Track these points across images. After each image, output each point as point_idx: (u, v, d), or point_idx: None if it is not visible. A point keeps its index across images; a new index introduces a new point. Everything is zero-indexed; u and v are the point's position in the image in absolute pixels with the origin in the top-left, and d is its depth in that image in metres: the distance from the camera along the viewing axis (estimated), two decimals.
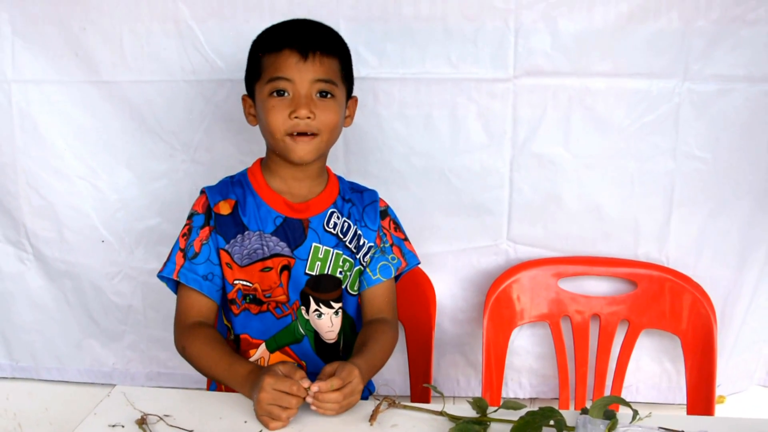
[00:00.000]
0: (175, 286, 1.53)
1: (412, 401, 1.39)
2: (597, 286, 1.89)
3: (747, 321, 1.90)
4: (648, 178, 1.82)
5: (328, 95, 1.47)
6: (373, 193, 1.63)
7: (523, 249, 1.89)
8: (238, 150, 1.87)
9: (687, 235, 1.85)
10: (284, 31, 1.49)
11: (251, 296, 1.53)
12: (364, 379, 1.37)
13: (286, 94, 1.45)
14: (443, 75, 1.79)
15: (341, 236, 1.54)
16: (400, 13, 1.77)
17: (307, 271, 1.52)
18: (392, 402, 1.35)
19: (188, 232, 1.52)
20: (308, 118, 1.43)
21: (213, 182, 1.62)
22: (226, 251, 1.51)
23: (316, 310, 1.55)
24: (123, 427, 1.29)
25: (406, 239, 1.65)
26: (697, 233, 1.85)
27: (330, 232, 1.53)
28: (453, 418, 1.31)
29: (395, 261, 1.61)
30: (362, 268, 1.58)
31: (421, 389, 1.82)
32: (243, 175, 1.57)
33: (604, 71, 1.76)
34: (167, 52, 1.84)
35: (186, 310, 1.52)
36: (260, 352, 1.56)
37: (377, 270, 1.60)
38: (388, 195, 1.81)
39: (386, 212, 1.64)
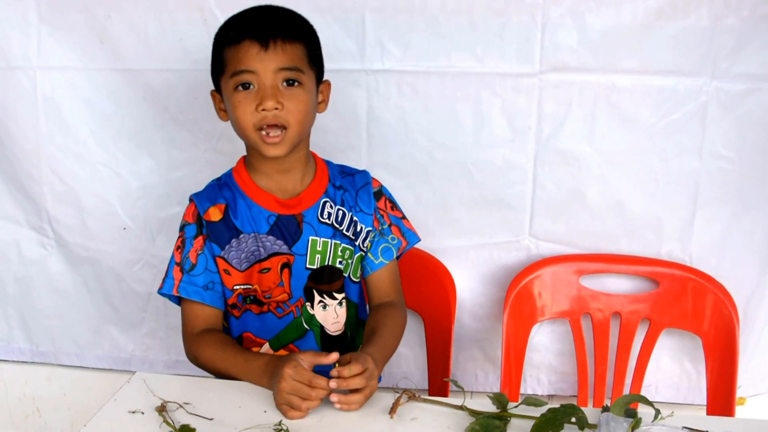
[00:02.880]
0: (178, 299, 1.53)
1: (430, 395, 1.38)
2: (618, 284, 1.87)
3: None
4: (672, 176, 1.80)
5: (295, 83, 1.42)
6: (365, 174, 1.60)
7: (545, 245, 1.88)
8: None
9: (710, 235, 1.83)
10: (243, 21, 1.44)
11: (252, 297, 1.52)
12: (379, 366, 1.38)
13: (251, 86, 1.40)
14: (468, 69, 1.78)
15: (337, 225, 1.52)
16: (425, 5, 1.76)
17: (307, 266, 1.51)
18: (412, 395, 1.35)
19: (182, 245, 1.50)
20: (276, 109, 1.39)
21: None
22: (223, 258, 1.49)
23: (321, 301, 1.54)
24: (143, 414, 1.30)
25: (404, 217, 1.63)
26: (721, 233, 1.83)
27: (325, 223, 1.51)
28: (473, 412, 1.31)
29: (395, 241, 1.59)
30: (363, 254, 1.57)
31: (439, 383, 1.82)
32: (229, 176, 1.55)
33: (631, 68, 1.75)
34: (192, 41, 1.84)
35: (191, 321, 1.52)
36: (264, 351, 1.55)
37: (379, 253, 1.58)
38: (410, 188, 1.82)
39: (381, 192, 1.61)
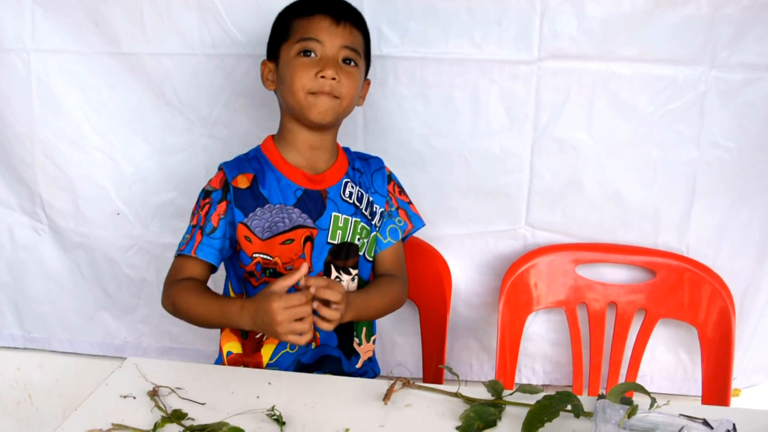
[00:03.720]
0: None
1: (425, 383, 1.37)
2: (615, 274, 1.86)
3: (765, 314, 1.87)
4: (670, 166, 1.79)
5: (352, 63, 1.53)
6: (379, 159, 1.68)
7: (542, 234, 1.87)
8: (257, 126, 1.85)
9: (708, 226, 1.82)
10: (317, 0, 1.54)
11: (271, 270, 1.55)
12: (352, 308, 1.45)
13: (313, 54, 1.50)
14: (466, 56, 1.76)
15: (358, 204, 1.58)
16: None
17: (329, 240, 1.56)
18: (407, 382, 1.34)
19: (205, 208, 1.53)
20: (333, 79, 1.48)
21: (230, 158, 1.63)
22: (245, 225, 1.52)
23: (337, 277, 1.57)
24: (134, 398, 1.29)
25: (410, 202, 1.70)
26: (718, 224, 1.82)
27: (347, 201, 1.58)
28: (468, 400, 1.30)
29: (402, 224, 1.67)
30: (376, 234, 1.62)
31: (433, 371, 1.81)
32: (257, 150, 1.60)
33: (630, 56, 1.73)
34: (187, 25, 1.82)
35: (179, 272, 1.55)
36: None
37: (387, 233, 1.65)
38: (407, 176, 1.81)
39: (391, 177, 1.69)
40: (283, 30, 1.55)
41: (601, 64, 1.74)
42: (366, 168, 1.64)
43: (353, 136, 1.84)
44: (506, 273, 1.81)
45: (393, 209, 1.66)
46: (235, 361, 1.59)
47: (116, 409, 1.26)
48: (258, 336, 1.57)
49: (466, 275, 1.92)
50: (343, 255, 1.57)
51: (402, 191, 1.69)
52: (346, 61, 1.52)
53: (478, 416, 1.24)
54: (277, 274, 1.54)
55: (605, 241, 1.85)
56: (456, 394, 1.32)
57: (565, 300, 1.84)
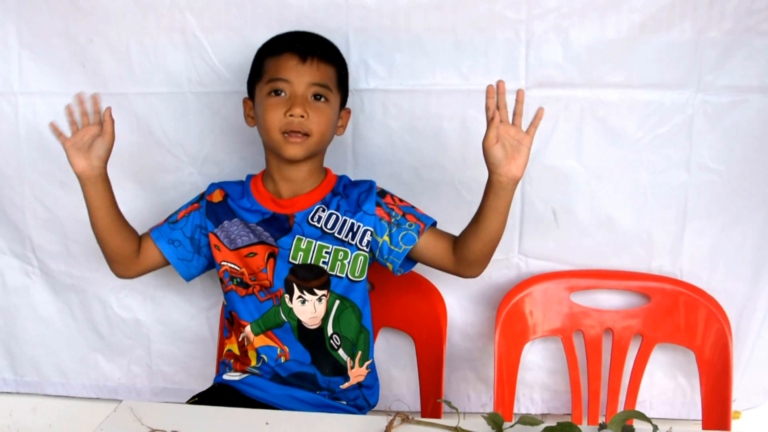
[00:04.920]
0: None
1: (423, 417, 1.36)
2: (610, 300, 1.86)
3: (762, 335, 1.87)
4: (661, 190, 1.79)
5: (322, 99, 1.59)
6: (369, 182, 1.69)
7: (535, 262, 1.87)
8: (246, 163, 1.85)
9: (701, 248, 1.82)
10: (287, 37, 1.63)
11: (238, 279, 1.66)
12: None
13: (283, 94, 1.57)
14: (454, 86, 1.77)
15: (325, 229, 1.62)
16: (409, 24, 1.75)
17: (290, 260, 1.62)
18: (405, 417, 1.33)
19: (183, 206, 1.71)
20: (302, 117, 1.55)
21: None
22: (215, 234, 1.66)
23: (300, 296, 1.62)
24: None
25: (414, 206, 1.68)
26: (711, 246, 1.82)
27: (314, 226, 1.62)
28: None
29: (413, 227, 1.64)
30: (365, 253, 1.63)
31: (431, 405, 1.79)
32: (248, 178, 1.71)
33: (617, 82, 1.74)
34: (175, 64, 1.83)
35: (141, 249, 1.70)
36: (246, 333, 1.67)
37: (400, 242, 1.63)
38: None
39: (384, 192, 1.68)
40: (256, 69, 1.63)
41: (588, 90, 1.75)
42: (352, 191, 1.66)
43: (343, 169, 1.83)
44: (501, 302, 1.81)
45: (399, 217, 1.64)
46: (230, 356, 1.70)
47: None
48: (240, 339, 1.68)
49: (461, 306, 1.91)
50: (304, 275, 1.62)
51: (402, 199, 1.68)
52: (317, 96, 1.58)
53: None
54: (243, 284, 1.65)
55: (599, 267, 1.85)
56: (456, 429, 1.30)
57: (560, 328, 1.84)
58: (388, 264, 1.65)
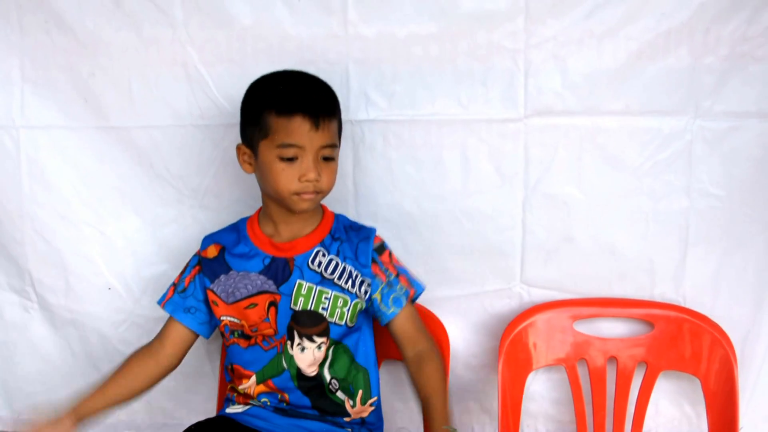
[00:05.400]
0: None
1: None
2: (613, 328, 1.84)
3: (767, 360, 1.85)
4: (662, 216, 1.79)
5: (330, 158, 1.58)
6: (369, 230, 1.68)
7: (537, 292, 1.86)
8: (247, 195, 1.85)
9: (703, 274, 1.81)
10: (294, 94, 1.55)
11: (239, 332, 1.64)
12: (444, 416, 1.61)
13: (294, 158, 1.53)
14: (453, 116, 1.78)
15: (325, 274, 1.61)
16: (409, 54, 1.76)
17: (291, 306, 1.61)
18: None
19: (184, 271, 1.70)
20: (316, 180, 1.54)
21: (221, 226, 1.72)
22: (212, 290, 1.64)
23: (299, 344, 1.61)
24: None
25: (407, 268, 1.70)
26: (714, 272, 1.81)
27: (314, 270, 1.61)
28: None
29: (403, 291, 1.66)
30: (360, 300, 1.62)
31: None
32: (243, 221, 1.70)
33: (615, 110, 1.75)
34: (176, 97, 1.84)
35: (161, 332, 1.70)
36: (251, 383, 1.65)
37: (390, 303, 1.65)
38: (398, 238, 1.81)
39: (383, 247, 1.68)
40: (260, 124, 1.55)
41: (587, 118, 1.76)
42: (352, 237, 1.66)
43: (344, 201, 1.84)
44: (504, 332, 1.79)
45: (392, 278, 1.66)
46: (234, 392, 1.69)
47: None
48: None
49: (463, 337, 1.90)
50: (304, 321, 1.61)
51: (397, 258, 1.69)
52: (326, 158, 1.57)
53: None
54: (245, 336, 1.63)
55: (601, 295, 1.84)
56: None
57: (564, 357, 1.82)
58: (377, 317, 1.67)
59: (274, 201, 1.61)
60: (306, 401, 1.63)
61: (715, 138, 1.75)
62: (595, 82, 1.74)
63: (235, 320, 1.63)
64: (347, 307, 1.61)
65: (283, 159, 1.53)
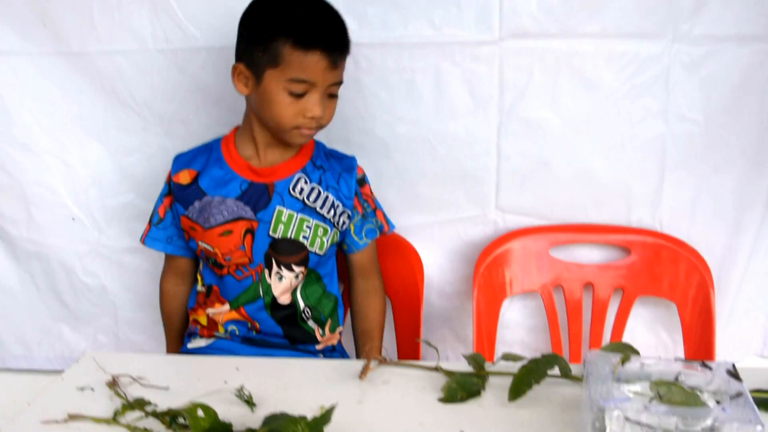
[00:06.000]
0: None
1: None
2: (589, 255, 1.82)
3: (743, 288, 1.84)
4: (639, 141, 1.75)
5: (335, 95, 1.52)
6: (351, 159, 1.65)
7: (512, 218, 1.82)
8: (215, 122, 1.79)
9: (680, 200, 1.79)
10: (315, 27, 1.44)
11: (212, 260, 1.58)
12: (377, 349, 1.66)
13: (302, 92, 1.45)
14: (426, 39, 1.72)
15: (307, 201, 1.56)
16: None
17: (270, 234, 1.55)
18: (382, 359, 1.28)
19: (157, 202, 1.64)
20: (320, 117, 1.48)
21: None
22: (187, 216, 1.57)
23: (278, 272, 1.56)
24: (93, 390, 1.21)
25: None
26: (691, 197, 1.78)
27: (295, 197, 1.56)
28: (448, 373, 1.24)
29: (379, 224, 1.66)
30: (338, 232, 1.59)
31: (411, 351, 1.76)
32: (216, 142, 1.61)
33: (592, 32, 1.70)
34: (139, 21, 1.76)
35: (164, 266, 1.70)
36: (222, 309, 1.61)
37: (363, 234, 1.64)
38: (370, 164, 1.75)
39: (364, 180, 1.66)
40: (270, 51, 1.42)
41: (563, 41, 1.71)
42: (334, 166, 1.61)
43: None
44: (478, 259, 1.76)
45: (369, 210, 1.65)
46: (197, 324, 1.65)
47: (73, 401, 1.18)
48: (207, 313, 1.62)
49: (438, 264, 1.87)
50: (283, 250, 1.56)
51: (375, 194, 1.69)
52: (332, 95, 1.51)
53: (461, 387, 1.18)
54: (218, 265, 1.58)
55: (578, 221, 1.81)
56: (436, 368, 1.26)
57: (540, 284, 1.80)
58: (343, 246, 1.66)
59: (265, 127, 1.53)
60: (278, 330, 1.60)
61: (693, 62, 1.70)
62: (571, 4, 1.68)
63: (209, 247, 1.56)
64: (327, 237, 1.58)
65: (291, 93, 1.44)
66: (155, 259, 1.88)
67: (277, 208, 1.54)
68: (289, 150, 1.58)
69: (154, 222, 1.63)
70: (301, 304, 1.60)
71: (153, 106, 1.82)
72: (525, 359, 1.20)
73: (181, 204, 1.57)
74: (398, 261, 1.79)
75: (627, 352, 1.00)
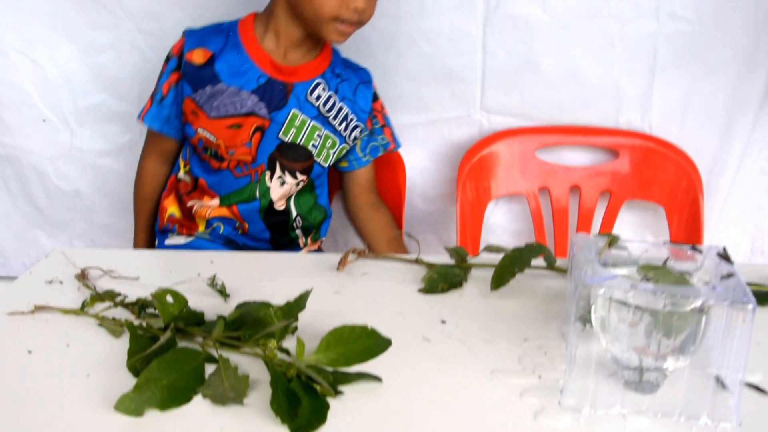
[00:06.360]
0: None
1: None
2: (576, 157, 1.78)
3: (732, 193, 1.80)
4: (629, 40, 1.69)
5: None
6: (367, 73, 1.59)
7: (498, 119, 1.77)
8: (189, 17, 1.71)
9: (671, 102, 1.73)
10: None
11: (213, 151, 1.50)
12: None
13: None
14: None
15: (323, 110, 1.49)
16: None
17: (280, 136, 1.47)
18: (361, 252, 1.24)
19: (161, 75, 1.52)
20: (363, 10, 1.39)
21: (162, 53, 1.53)
22: (192, 99, 1.47)
23: (280, 177, 1.50)
24: (61, 283, 1.16)
25: (390, 119, 1.65)
26: (681, 99, 1.73)
27: (312, 103, 1.49)
28: (429, 265, 1.20)
29: (384, 142, 1.62)
30: (348, 147, 1.55)
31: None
32: (233, 24, 1.50)
33: None
34: None
35: (148, 145, 1.61)
36: (212, 203, 1.53)
37: (368, 151, 1.61)
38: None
39: (377, 95, 1.60)
40: None
41: None
42: (351, 77, 1.55)
43: None
44: (462, 160, 1.72)
45: (377, 126, 1.60)
46: (175, 221, 1.58)
47: (41, 294, 1.13)
48: (189, 205, 1.55)
49: (421, 167, 1.82)
50: (291, 155, 1.50)
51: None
52: None
53: (442, 278, 1.14)
54: (218, 157, 1.50)
55: (565, 122, 1.76)
56: (417, 261, 1.22)
57: (525, 186, 1.75)
58: (342, 163, 1.61)
59: (295, 20, 1.43)
60: (266, 235, 1.56)
61: None
62: None
63: (211, 137, 1.47)
64: (334, 149, 1.54)
65: None
66: (130, 162, 1.82)
67: (293, 110, 1.47)
68: (312, 52, 1.50)
69: (156, 99, 1.52)
70: (294, 212, 1.57)
71: (124, 1, 1.73)
72: (508, 250, 1.16)
73: (190, 85, 1.46)
74: (380, 163, 1.73)
75: (614, 236, 0.96)
